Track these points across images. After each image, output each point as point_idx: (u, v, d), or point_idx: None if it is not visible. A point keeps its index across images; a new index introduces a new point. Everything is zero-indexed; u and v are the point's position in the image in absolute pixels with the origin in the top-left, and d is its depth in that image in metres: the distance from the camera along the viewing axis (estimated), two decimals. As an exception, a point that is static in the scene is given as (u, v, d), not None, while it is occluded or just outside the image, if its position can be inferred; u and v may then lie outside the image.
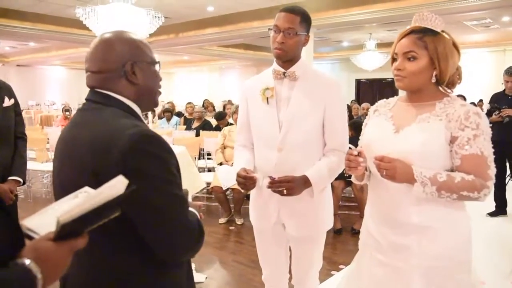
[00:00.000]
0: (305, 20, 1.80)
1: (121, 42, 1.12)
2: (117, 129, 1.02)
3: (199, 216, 1.15)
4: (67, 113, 8.75)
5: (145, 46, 1.17)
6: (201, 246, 1.10)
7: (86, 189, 0.93)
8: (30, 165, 5.90)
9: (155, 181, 0.99)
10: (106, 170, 0.96)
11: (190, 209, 1.14)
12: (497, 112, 4.57)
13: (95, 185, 0.94)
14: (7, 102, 2.31)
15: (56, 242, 0.78)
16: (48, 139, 6.78)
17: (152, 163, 1.00)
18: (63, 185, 1.09)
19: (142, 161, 0.98)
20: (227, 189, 4.72)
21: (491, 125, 1.46)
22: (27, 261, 0.73)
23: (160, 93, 1.22)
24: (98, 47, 1.12)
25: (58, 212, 0.77)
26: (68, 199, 0.90)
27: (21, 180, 2.35)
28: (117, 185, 0.80)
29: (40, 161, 6.21)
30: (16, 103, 2.40)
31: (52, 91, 18.40)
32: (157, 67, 1.19)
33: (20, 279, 0.72)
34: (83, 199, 0.79)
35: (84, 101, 1.17)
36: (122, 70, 1.11)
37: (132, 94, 1.13)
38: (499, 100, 4.73)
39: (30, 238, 0.81)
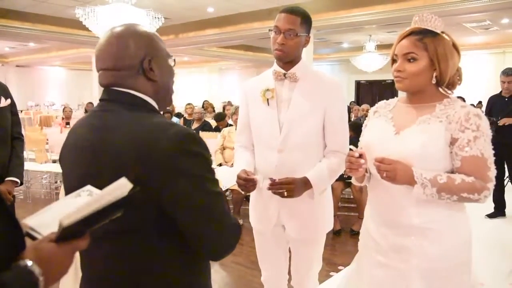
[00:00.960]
0: (306, 21, 1.79)
1: (136, 37, 1.06)
2: (155, 130, 0.98)
3: None
4: (68, 125, 8.57)
5: (159, 40, 1.11)
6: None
7: (89, 187, 0.92)
8: (29, 166, 5.92)
9: (200, 180, 0.98)
10: (150, 172, 0.94)
11: None
12: (493, 127, 4.50)
13: (141, 189, 0.91)
14: (3, 102, 2.30)
15: (58, 244, 0.77)
16: (47, 139, 6.77)
17: (196, 163, 0.99)
18: None
19: (187, 161, 0.97)
20: (226, 190, 4.71)
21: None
22: (29, 263, 0.73)
23: (173, 90, 1.18)
24: (112, 42, 1.05)
25: (60, 212, 0.77)
26: (70, 197, 0.90)
27: (18, 180, 2.34)
28: (121, 187, 0.79)
29: (39, 161, 6.19)
30: (13, 103, 2.39)
31: (52, 91, 18.40)
32: (171, 61, 1.14)
33: (22, 281, 0.71)
34: (87, 201, 0.78)
35: (98, 101, 1.11)
36: (140, 67, 1.05)
37: (150, 91, 1.08)
38: (495, 103, 4.71)
39: (32, 237, 0.81)
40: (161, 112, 1.17)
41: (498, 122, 4.52)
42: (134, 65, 1.05)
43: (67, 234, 0.77)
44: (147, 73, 1.06)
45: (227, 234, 1.03)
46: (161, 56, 1.10)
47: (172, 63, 1.15)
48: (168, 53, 1.13)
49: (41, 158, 6.23)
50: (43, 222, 0.82)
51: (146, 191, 0.94)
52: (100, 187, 0.95)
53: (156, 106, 1.10)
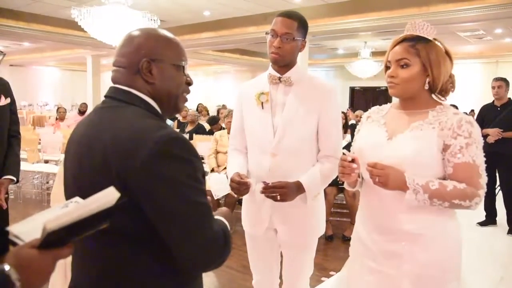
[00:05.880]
0: (302, 25, 1.80)
1: (143, 38, 1.08)
2: (143, 130, 0.97)
3: (228, 226, 1.10)
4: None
5: (174, 46, 1.11)
6: (226, 259, 1.03)
7: (77, 199, 0.90)
8: (21, 166, 5.84)
9: (181, 187, 0.95)
10: (131, 172, 0.92)
11: (218, 217, 1.10)
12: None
13: (120, 187, 0.90)
14: (3, 101, 2.29)
15: (40, 250, 0.76)
16: (39, 139, 6.72)
17: (179, 168, 0.95)
18: (82, 187, 1.02)
19: (169, 166, 0.94)
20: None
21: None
22: (6, 267, 0.72)
23: (184, 99, 1.16)
24: (124, 41, 1.09)
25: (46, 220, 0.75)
26: (58, 207, 0.88)
27: (14, 178, 2.33)
28: (109, 196, 0.78)
29: (31, 161, 6.14)
30: (13, 101, 2.38)
31: (45, 91, 18.28)
32: (180, 69, 1.12)
33: None
34: (72, 208, 0.77)
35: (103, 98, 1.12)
36: (137, 66, 1.06)
37: (149, 93, 1.08)
38: (488, 112, 4.68)
39: (15, 244, 0.80)
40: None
41: (485, 131, 4.38)
42: (132, 63, 1.06)
43: (51, 241, 0.76)
44: (143, 74, 1.06)
45: (205, 248, 0.97)
46: (166, 61, 1.09)
47: (181, 72, 1.12)
48: (177, 62, 1.10)
49: (33, 158, 6.18)
50: (28, 230, 0.81)
51: (126, 191, 0.93)
52: (92, 182, 0.94)
53: (158, 109, 1.09)
